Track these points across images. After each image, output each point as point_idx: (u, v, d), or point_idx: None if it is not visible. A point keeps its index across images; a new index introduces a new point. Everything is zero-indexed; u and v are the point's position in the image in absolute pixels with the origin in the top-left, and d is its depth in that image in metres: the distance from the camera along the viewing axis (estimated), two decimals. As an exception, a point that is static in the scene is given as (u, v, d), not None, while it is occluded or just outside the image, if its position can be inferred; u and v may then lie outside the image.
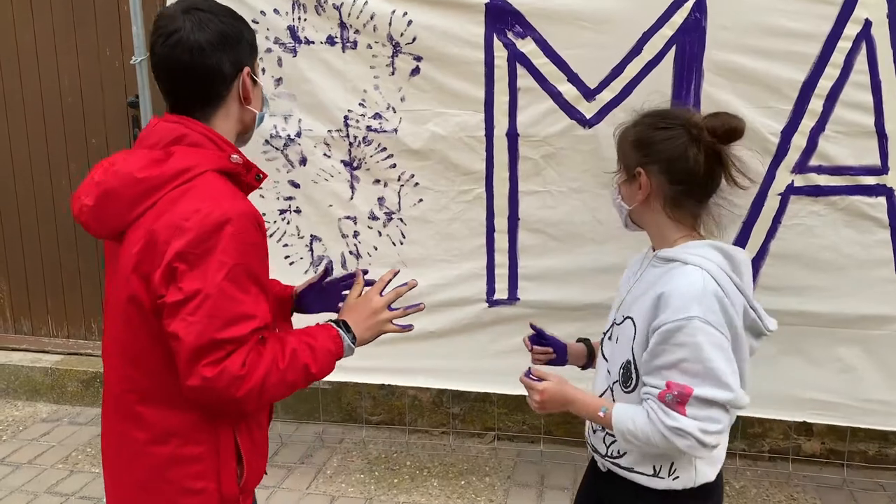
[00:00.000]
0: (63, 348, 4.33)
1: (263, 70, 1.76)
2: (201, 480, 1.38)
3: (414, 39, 2.64)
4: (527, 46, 2.56)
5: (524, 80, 2.60)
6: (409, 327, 1.58)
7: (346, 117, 2.77)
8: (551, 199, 2.68)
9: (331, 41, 2.72)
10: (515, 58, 2.58)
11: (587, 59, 2.54)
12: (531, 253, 2.74)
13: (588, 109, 2.58)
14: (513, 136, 2.66)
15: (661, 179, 1.45)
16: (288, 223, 2.91)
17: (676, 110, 1.55)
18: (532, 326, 1.84)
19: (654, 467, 1.48)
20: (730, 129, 1.42)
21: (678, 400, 1.35)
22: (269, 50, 2.76)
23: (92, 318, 4.26)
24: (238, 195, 1.38)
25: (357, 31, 2.69)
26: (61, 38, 3.98)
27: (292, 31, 2.74)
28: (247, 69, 1.43)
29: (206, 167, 1.35)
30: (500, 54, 2.59)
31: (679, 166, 1.42)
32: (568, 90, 2.58)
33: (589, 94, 2.57)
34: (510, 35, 2.57)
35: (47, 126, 4.09)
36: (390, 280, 1.59)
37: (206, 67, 1.36)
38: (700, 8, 2.42)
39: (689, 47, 2.46)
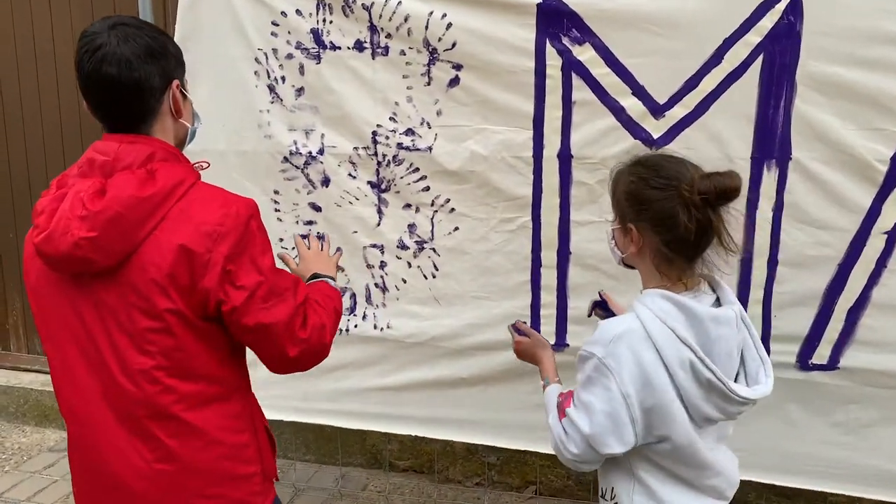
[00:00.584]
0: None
1: (186, 91, 1.55)
2: (251, 465, 1.50)
3: (454, 45, 2.30)
4: (585, 54, 2.20)
5: (581, 92, 2.23)
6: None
7: (374, 133, 2.44)
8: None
9: (359, 46, 2.40)
10: (571, 67, 2.22)
11: (656, 70, 2.16)
12: (583, 292, 2.37)
13: (655, 128, 2.20)
14: (565, 157, 2.29)
15: (652, 238, 1.46)
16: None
17: (673, 166, 1.47)
18: (600, 294, 1.95)
19: None
20: (722, 190, 1.38)
21: (561, 407, 1.55)
22: (289, 56, 2.45)
23: (107, 339, 3.98)
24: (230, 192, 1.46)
25: (389, 36, 2.36)
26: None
27: (316, 34, 2.42)
28: (176, 82, 1.46)
29: (191, 178, 1.42)
30: (554, 63, 2.23)
31: (670, 228, 1.42)
32: (632, 105, 2.20)
33: (657, 111, 2.19)
34: (566, 41, 2.21)
35: (65, 139, 3.86)
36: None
37: (134, 80, 1.38)
38: (795, 10, 2.03)
39: (779, 57, 2.06)
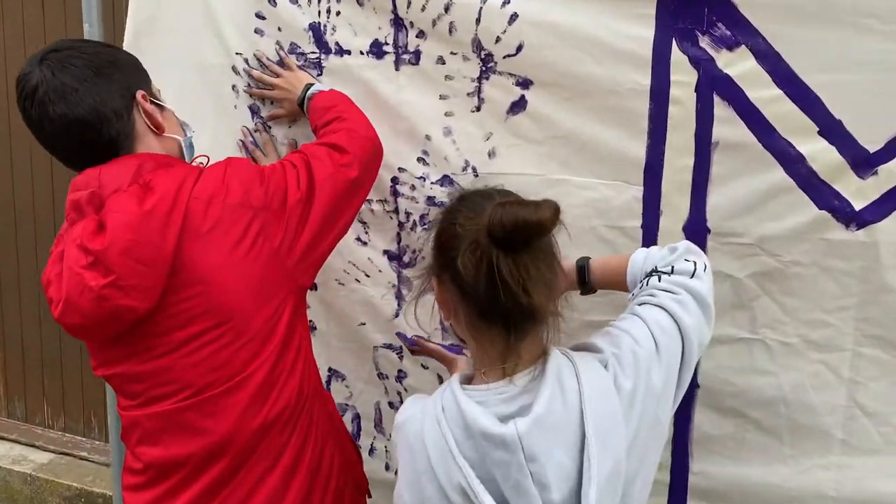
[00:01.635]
0: (56, 445, 3.51)
1: (160, 99, 1.33)
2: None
3: (519, 49, 1.46)
4: (738, 65, 1.32)
5: (728, 128, 1.35)
6: None
7: (394, 180, 1.62)
8: (766, 354, 1.40)
9: (377, 51, 1.59)
10: (713, 85, 1.34)
11: (866, 94, 1.27)
12: (715, 446, 1.46)
13: (859, 192, 1.30)
14: (697, 231, 1.40)
15: (454, 294, 1.08)
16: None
17: (484, 198, 1.09)
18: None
19: None
20: (513, 223, 0.97)
21: None
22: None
23: (93, 410, 3.43)
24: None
25: (422, 35, 1.54)
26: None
27: (317, 32, 1.63)
28: (140, 93, 1.29)
29: (193, 175, 1.27)
30: (683, 77, 1.36)
31: (458, 278, 1.05)
32: (819, 152, 1.31)
33: (863, 164, 1.28)
34: (705, 42, 1.34)
35: (55, 184, 3.25)
36: None
37: (89, 109, 1.22)
38: None
39: None
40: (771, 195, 1.34)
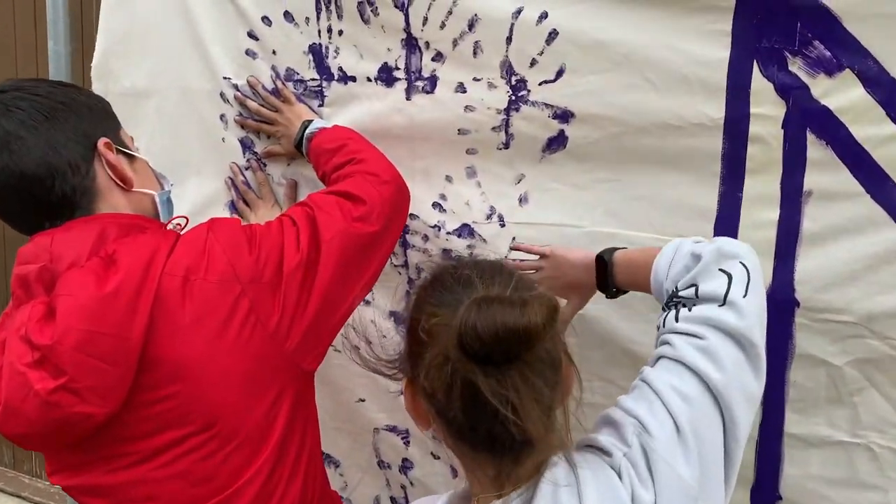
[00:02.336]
0: (43, 497, 3.26)
1: (129, 147, 1.08)
2: None
3: (559, 74, 1.19)
4: (840, 94, 1.04)
5: (824, 174, 1.06)
6: None
7: (404, 229, 1.34)
8: (872, 464, 1.09)
9: (386, 76, 1.33)
10: (805, 120, 1.06)
11: None
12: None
13: None
14: (781, 302, 1.10)
15: (427, 406, 0.83)
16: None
17: (466, 280, 0.83)
18: None
19: None
20: (493, 333, 0.74)
21: None
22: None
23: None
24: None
25: (439, 57, 1.28)
26: None
27: (317, 55, 1.38)
28: (103, 141, 1.03)
29: (167, 243, 1.00)
30: (767, 110, 1.08)
31: (433, 396, 0.80)
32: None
33: None
34: (796, 66, 1.06)
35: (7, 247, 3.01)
36: None
37: (37, 159, 0.98)
38: None
39: None
40: (883, 261, 1.04)
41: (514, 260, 1.21)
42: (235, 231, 1.03)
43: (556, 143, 1.22)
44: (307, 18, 1.37)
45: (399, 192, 1.19)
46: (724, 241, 0.91)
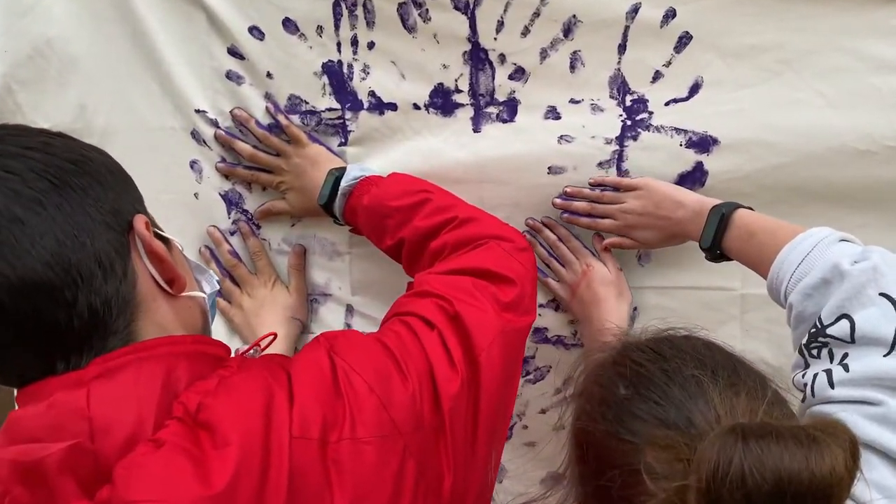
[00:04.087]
0: None
1: (161, 229, 0.62)
2: None
3: (695, 89, 0.92)
4: None
5: None
6: None
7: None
8: None
9: (442, 102, 0.99)
10: None
11: None
12: None
13: None
14: None
15: None
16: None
17: (690, 384, 0.60)
18: None
19: None
20: (776, 488, 0.49)
21: None
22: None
23: None
24: None
25: (520, 73, 0.96)
26: None
27: (335, 76, 1.01)
28: (139, 219, 0.63)
29: (278, 383, 0.60)
30: None
31: None
32: None
33: None
34: None
35: None
36: None
37: (49, 254, 0.56)
38: None
39: None
40: None
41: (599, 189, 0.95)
42: (371, 349, 0.65)
43: (692, 179, 0.94)
44: (320, 28, 1.00)
45: (532, 255, 0.86)
46: (883, 254, 0.68)
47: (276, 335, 0.73)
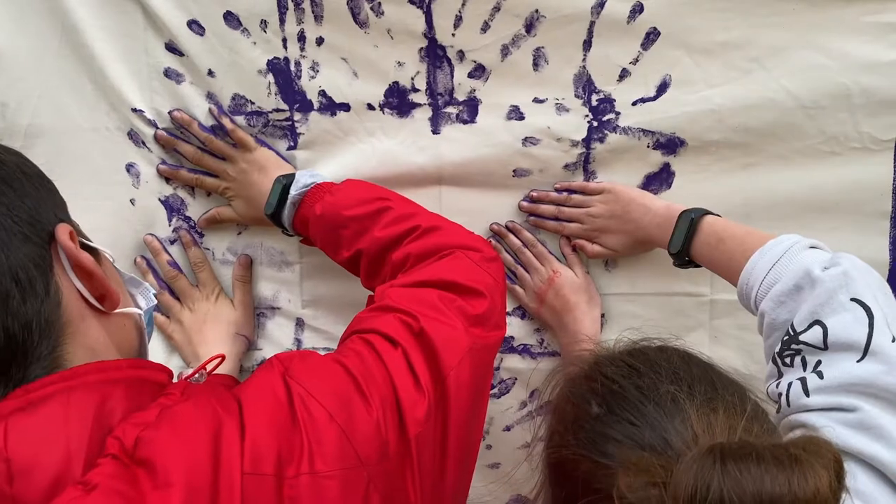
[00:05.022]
0: None
1: (89, 239, 0.54)
2: None
3: (663, 88, 0.88)
4: None
5: None
6: None
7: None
8: None
9: (398, 102, 0.93)
10: None
11: None
12: None
13: None
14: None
15: None
16: None
17: (662, 399, 0.57)
18: None
19: None
20: None
21: None
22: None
23: None
24: None
25: (481, 71, 0.91)
26: None
27: (282, 74, 0.94)
28: (62, 228, 0.55)
29: (228, 414, 0.53)
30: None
31: None
32: None
33: None
34: None
35: None
36: None
37: None
38: None
39: None
40: None
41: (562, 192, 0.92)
42: (331, 372, 0.59)
43: (658, 180, 0.91)
44: (264, 22, 0.93)
45: (501, 265, 0.81)
46: (853, 260, 0.66)
47: (223, 357, 0.66)
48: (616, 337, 0.66)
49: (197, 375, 0.64)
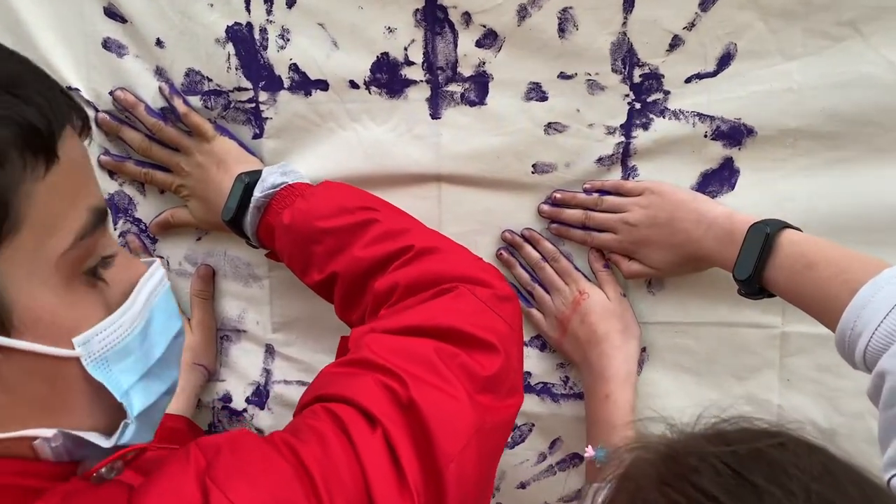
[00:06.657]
0: None
1: None
2: None
3: (725, 61, 0.68)
4: None
5: None
6: None
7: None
8: None
9: (388, 78, 0.75)
10: None
11: None
12: None
13: None
14: None
15: None
16: None
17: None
18: None
19: None
20: None
21: None
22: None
23: None
24: None
25: (492, 38, 0.72)
26: None
27: (244, 44, 0.76)
28: None
29: None
30: None
31: None
32: None
33: None
34: None
35: None
36: None
37: None
38: None
39: None
40: None
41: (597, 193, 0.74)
42: (273, 471, 0.41)
43: (718, 180, 0.71)
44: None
45: (517, 303, 0.62)
46: None
47: (145, 448, 0.48)
48: (696, 413, 0.46)
49: (104, 470, 0.45)
